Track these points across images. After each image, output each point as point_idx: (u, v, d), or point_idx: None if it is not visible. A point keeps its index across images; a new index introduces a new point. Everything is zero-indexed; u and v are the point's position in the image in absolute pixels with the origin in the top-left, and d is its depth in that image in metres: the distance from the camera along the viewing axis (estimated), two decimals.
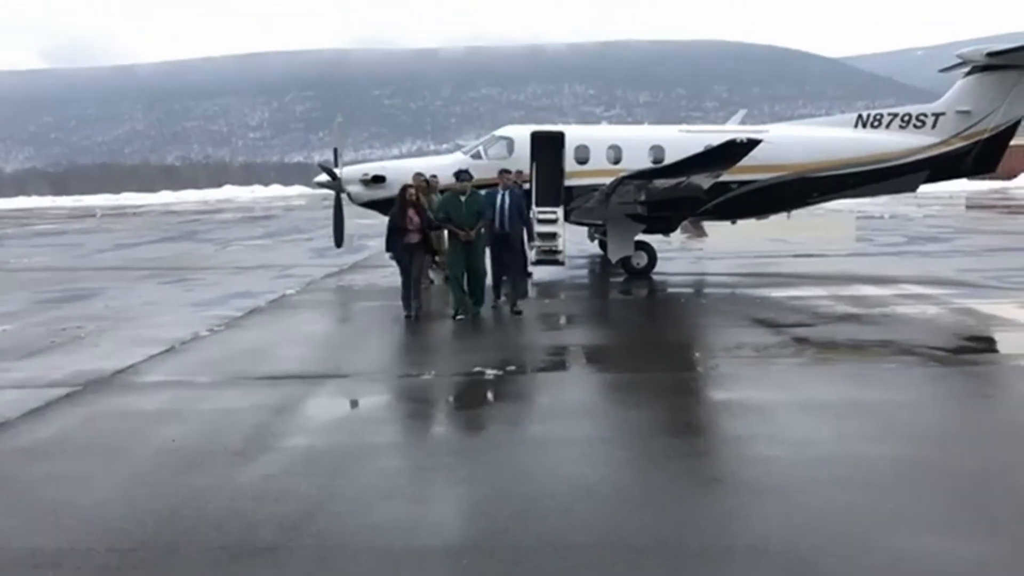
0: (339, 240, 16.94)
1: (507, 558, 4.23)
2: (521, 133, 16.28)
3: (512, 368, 8.29)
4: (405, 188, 11.86)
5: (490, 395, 7.49)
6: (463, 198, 11.53)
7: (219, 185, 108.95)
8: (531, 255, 15.42)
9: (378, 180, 16.04)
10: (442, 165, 16.35)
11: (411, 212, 11.52)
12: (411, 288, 11.54)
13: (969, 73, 16.94)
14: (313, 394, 7.57)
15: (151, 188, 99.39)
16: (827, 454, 5.63)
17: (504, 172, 12.67)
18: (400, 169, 16.24)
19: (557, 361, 9.02)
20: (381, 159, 20.79)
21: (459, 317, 11.34)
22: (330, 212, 17.13)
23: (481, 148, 16.56)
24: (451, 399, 7.41)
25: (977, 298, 11.67)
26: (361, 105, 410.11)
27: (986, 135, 16.67)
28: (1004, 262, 15.57)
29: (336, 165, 16.64)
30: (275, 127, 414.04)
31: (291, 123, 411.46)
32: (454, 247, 11.57)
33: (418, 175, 15.05)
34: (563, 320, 11.87)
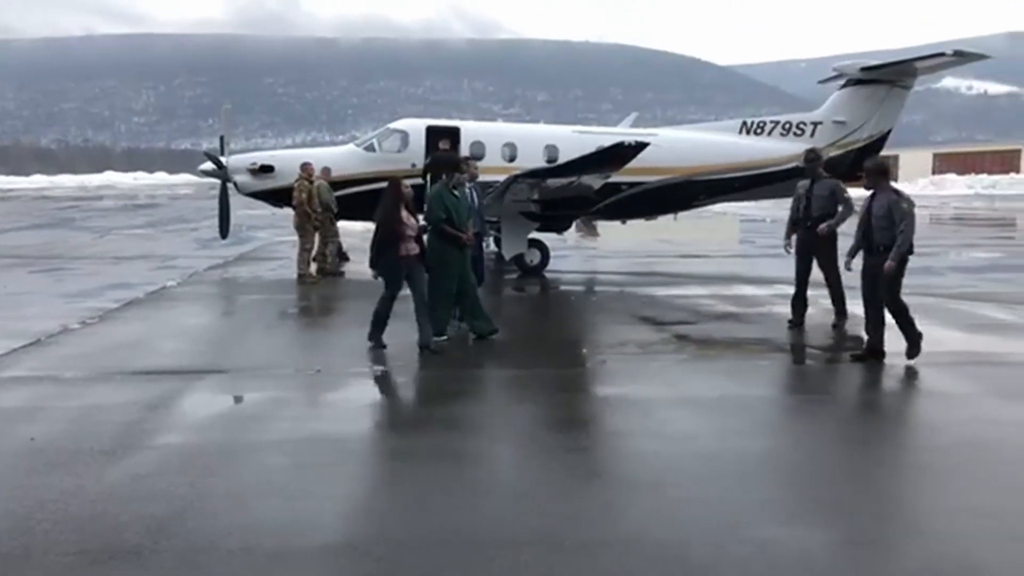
0: (224, 231, 16.41)
1: (385, 556, 4.18)
2: (416, 127, 16.17)
3: (400, 364, 8.21)
4: (398, 182, 8.93)
5: (375, 392, 7.39)
6: (458, 192, 9.40)
7: (99, 171, 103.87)
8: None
9: (266, 170, 15.60)
10: (333, 156, 16.07)
11: (405, 214, 8.77)
12: (388, 316, 8.99)
13: (845, 86, 17.89)
14: (190, 390, 7.28)
15: (22, 171, 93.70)
16: (702, 448, 5.81)
17: (470, 160, 11.08)
18: (290, 159, 15.86)
19: (448, 358, 8.98)
20: (274, 149, 20.25)
21: (444, 339, 9.25)
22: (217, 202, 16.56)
23: (375, 141, 16.35)
24: (335, 396, 7.26)
25: (849, 300, 12.29)
26: (254, 93, 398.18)
27: (859, 145, 17.62)
28: None
29: (222, 153, 16.10)
30: (162, 112, 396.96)
31: (179, 108, 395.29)
32: (450, 254, 9.22)
33: (306, 165, 14.75)
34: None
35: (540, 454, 5.76)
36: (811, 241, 10.04)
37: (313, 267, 14.90)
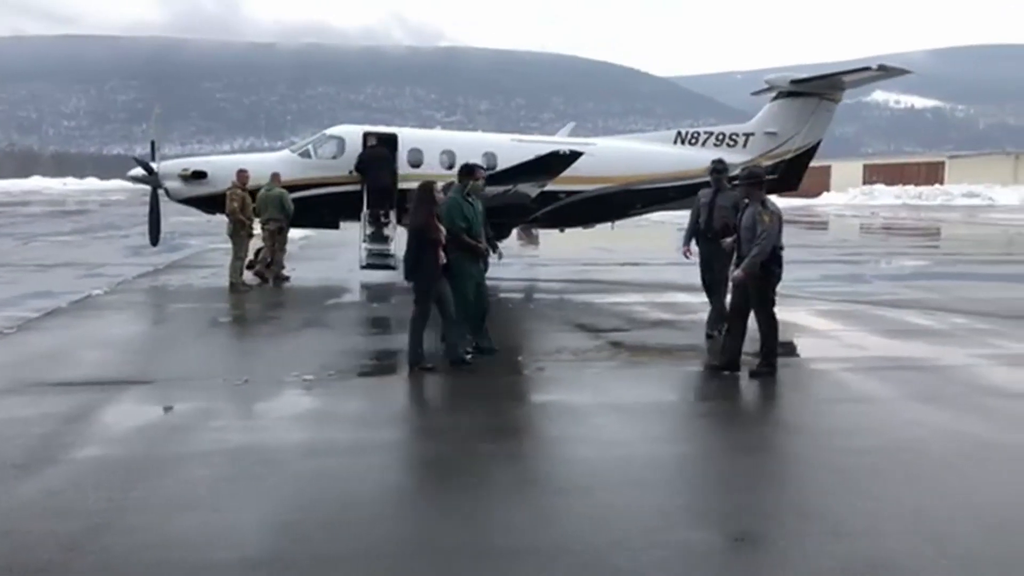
0: (155, 238, 16.01)
1: (309, 569, 4.10)
2: (353, 133, 16.02)
3: (331, 373, 8.09)
4: (431, 186, 8.33)
5: (304, 401, 7.26)
6: (471, 200, 8.81)
7: (26, 175, 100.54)
8: (362, 256, 15.21)
9: (199, 176, 15.26)
10: (268, 162, 15.81)
11: (435, 220, 8.20)
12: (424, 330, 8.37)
13: (776, 98, 18.33)
14: (112, 401, 7.06)
15: None
16: (632, 454, 5.85)
17: (477, 168, 9.43)
18: (224, 165, 15.56)
19: (381, 366, 8.90)
20: (210, 155, 19.87)
21: (469, 355, 8.72)
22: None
23: (311, 147, 16.15)
24: (262, 406, 7.12)
25: (777, 306, 12.55)
26: (191, 97, 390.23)
27: (790, 155, 18.07)
28: (804, 273, 16.90)
29: (153, 159, 15.71)
30: (93, 116, 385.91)
31: (112, 112, 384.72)
32: (470, 265, 8.74)
33: (242, 171, 14.49)
34: (393, 324, 11.74)
35: (473, 462, 5.73)
36: (712, 253, 9.98)
37: (247, 275, 14.65)
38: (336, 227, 16.69)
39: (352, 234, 16.91)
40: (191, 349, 9.43)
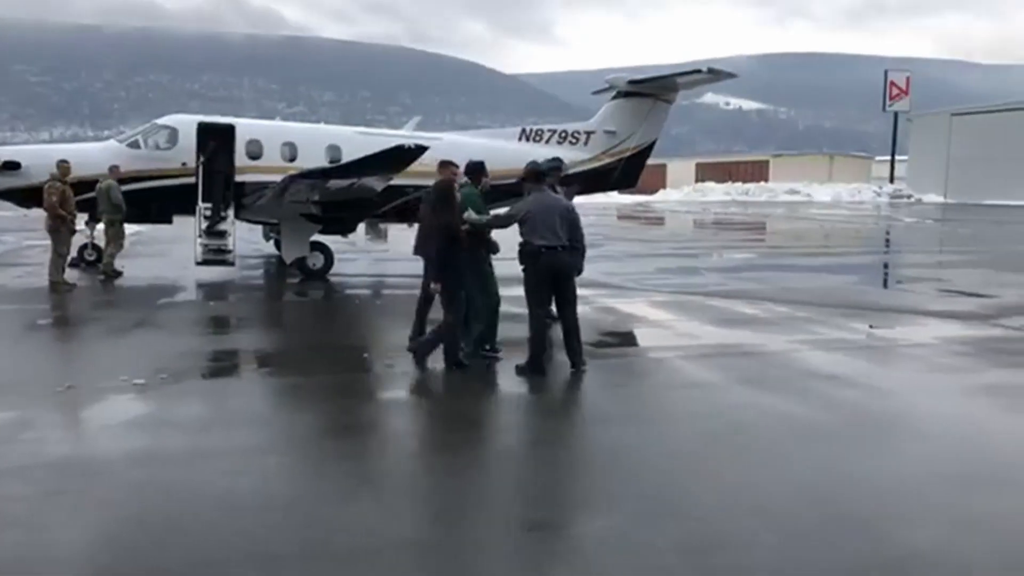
0: None
1: None
2: (186, 123, 15.27)
3: (165, 376, 7.66)
4: (451, 183, 8.11)
5: (135, 407, 6.84)
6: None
7: None
8: (198, 252, 14.51)
9: (11, 167, 14.06)
10: (91, 152, 14.80)
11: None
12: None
13: (615, 97, 19.02)
14: None
15: None
16: (476, 449, 5.91)
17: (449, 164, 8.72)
18: (40, 155, 14.43)
19: (220, 367, 8.54)
20: (25, 144, 18.31)
21: (499, 353, 8.52)
22: None
23: (140, 137, 15.26)
24: (88, 413, 6.65)
25: (617, 298, 13.07)
26: (1, 82, 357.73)
27: (628, 153, 18.81)
28: (641, 266, 17.65)
29: None
30: None
31: None
32: (484, 264, 8.61)
33: (63, 162, 13.47)
34: (232, 323, 11.29)
35: (315, 462, 5.60)
36: None
37: (73, 273, 13.68)
38: (169, 222, 15.85)
39: (187, 229, 16.10)
40: (6, 355, 8.67)
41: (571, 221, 7.96)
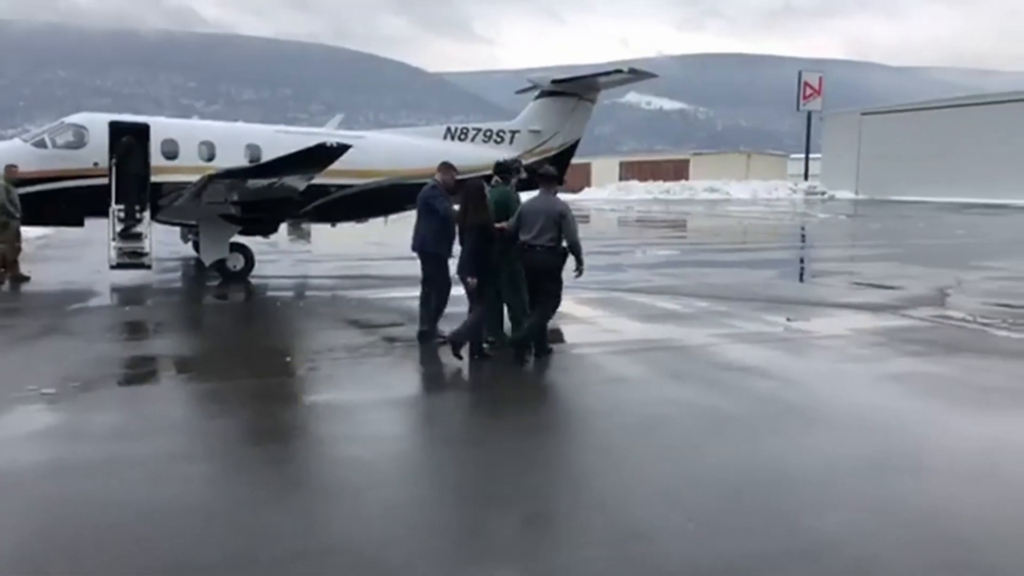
0: None
1: None
2: (97, 121, 14.73)
3: (76, 385, 7.37)
4: (481, 183, 8.65)
5: (44, 418, 6.56)
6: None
7: None
8: (112, 255, 14.03)
9: None
10: None
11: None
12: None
13: (539, 97, 19.14)
14: None
15: None
16: (404, 449, 5.88)
17: (451, 167, 9.65)
18: None
19: (136, 374, 8.27)
20: None
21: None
22: None
23: (47, 136, 14.64)
24: None
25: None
26: None
27: (553, 152, 18.94)
28: (567, 264, 17.79)
29: None
30: None
31: None
32: (516, 263, 8.80)
33: None
34: (148, 328, 10.94)
35: (237, 469, 5.48)
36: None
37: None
38: (80, 224, 15.26)
39: (100, 232, 15.54)
40: None
41: (559, 224, 8.29)
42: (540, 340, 8.65)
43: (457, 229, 8.73)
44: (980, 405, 7.05)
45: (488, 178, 9.63)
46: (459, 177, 17.07)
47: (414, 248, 9.39)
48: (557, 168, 19.47)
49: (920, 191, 56.30)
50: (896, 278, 15.34)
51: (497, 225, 8.50)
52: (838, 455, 5.76)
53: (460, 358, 8.31)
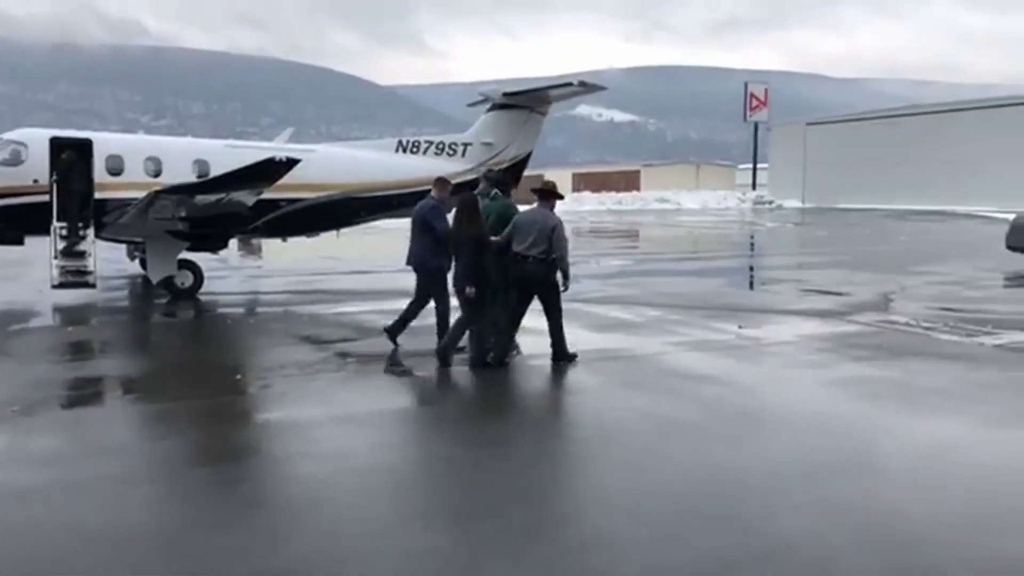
0: None
1: None
2: (37, 138, 14.37)
3: (16, 409, 7.14)
4: (475, 197, 8.92)
5: None
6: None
7: None
8: (54, 275, 13.67)
9: None
10: None
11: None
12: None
13: (491, 109, 19.19)
14: None
15: None
16: (361, 465, 5.80)
17: (446, 181, 9.72)
18: None
19: (80, 396, 8.06)
20: None
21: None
22: None
23: None
24: None
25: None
26: None
27: (506, 164, 18.98)
28: None
29: None
30: None
31: None
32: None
33: None
34: (93, 348, 10.67)
35: (187, 491, 5.35)
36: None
37: None
38: (20, 243, 14.85)
39: (42, 250, 15.13)
40: None
41: (549, 237, 8.55)
42: (559, 346, 8.91)
43: (452, 242, 8.82)
44: (925, 408, 7.22)
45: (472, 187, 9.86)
46: (409, 191, 17.33)
47: (411, 264, 9.46)
48: (510, 180, 19.65)
49: (864, 199, 57.65)
50: (843, 284, 15.68)
51: (493, 238, 8.73)
52: (790, 460, 5.85)
53: (449, 366, 8.63)
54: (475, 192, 9.30)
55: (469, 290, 8.49)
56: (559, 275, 8.84)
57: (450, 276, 9.05)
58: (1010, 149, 52.46)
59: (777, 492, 5.22)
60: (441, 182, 9.60)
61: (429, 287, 9.38)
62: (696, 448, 6.13)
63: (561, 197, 9.55)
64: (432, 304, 9.42)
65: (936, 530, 4.64)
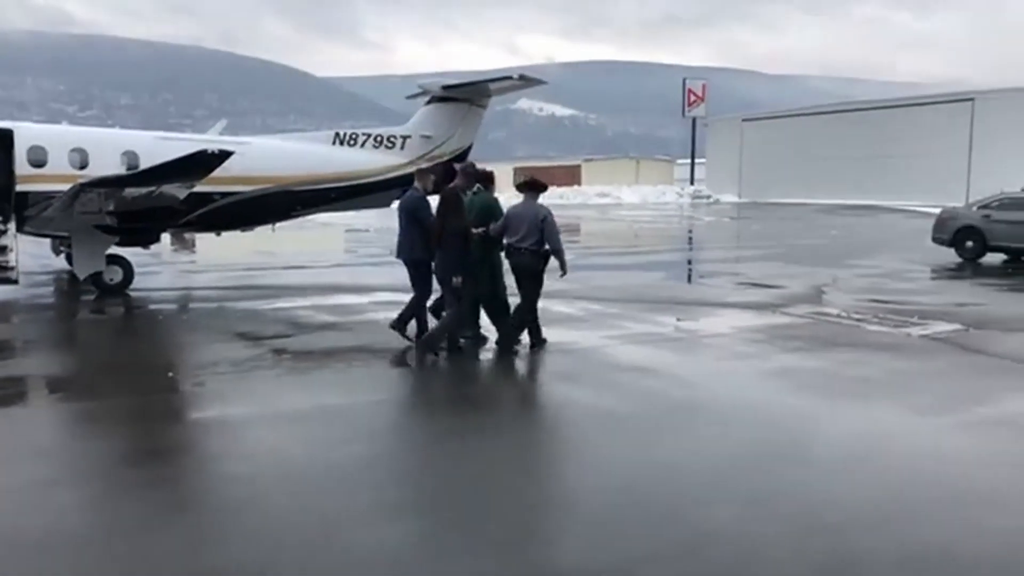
0: None
1: None
2: None
3: None
4: (457, 193, 9.05)
5: None
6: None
7: None
8: None
9: None
10: None
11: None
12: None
13: (430, 102, 19.03)
14: None
15: None
16: (293, 461, 5.70)
17: (426, 172, 10.20)
18: None
19: (1, 396, 7.71)
20: None
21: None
22: None
23: None
24: None
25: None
26: None
27: (445, 157, 18.85)
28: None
29: None
30: None
31: None
32: (498, 266, 9.62)
33: None
34: (16, 346, 10.25)
35: (115, 493, 5.18)
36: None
37: None
38: None
39: None
40: None
41: (541, 228, 8.95)
42: (515, 329, 9.26)
43: (435, 234, 8.94)
44: (856, 397, 7.42)
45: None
46: (347, 184, 17.10)
47: (401, 257, 9.49)
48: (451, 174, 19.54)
49: (798, 194, 59.11)
50: (777, 277, 16.02)
51: (474, 230, 8.98)
52: (724, 450, 5.94)
53: (436, 355, 8.81)
54: (451, 187, 9.36)
55: (456, 280, 8.71)
56: (556, 263, 9.26)
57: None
58: (936, 145, 54.36)
59: (711, 482, 5.30)
60: (421, 172, 9.94)
61: (418, 276, 9.39)
62: (632, 439, 6.19)
63: (545, 187, 9.68)
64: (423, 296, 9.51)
65: (863, 517, 4.76)
